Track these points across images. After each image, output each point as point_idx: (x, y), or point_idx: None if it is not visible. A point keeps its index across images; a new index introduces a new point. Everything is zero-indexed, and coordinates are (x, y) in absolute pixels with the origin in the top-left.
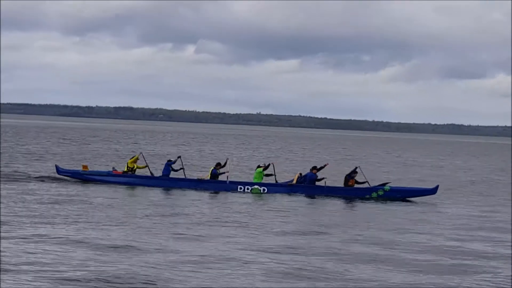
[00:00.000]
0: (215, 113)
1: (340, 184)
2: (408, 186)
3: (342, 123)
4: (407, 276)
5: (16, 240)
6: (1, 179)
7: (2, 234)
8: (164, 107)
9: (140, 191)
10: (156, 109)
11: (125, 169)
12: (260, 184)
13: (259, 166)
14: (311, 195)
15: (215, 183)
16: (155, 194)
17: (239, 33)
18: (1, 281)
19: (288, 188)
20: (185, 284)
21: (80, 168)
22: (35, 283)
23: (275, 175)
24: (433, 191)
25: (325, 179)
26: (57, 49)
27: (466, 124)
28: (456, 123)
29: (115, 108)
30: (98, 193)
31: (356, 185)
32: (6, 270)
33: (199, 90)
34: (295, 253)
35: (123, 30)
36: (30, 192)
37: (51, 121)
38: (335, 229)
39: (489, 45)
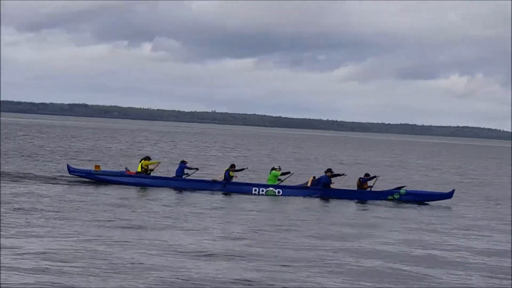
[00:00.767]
0: (170, 111)
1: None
2: (424, 190)
3: (297, 122)
4: None
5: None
6: None
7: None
8: (119, 105)
9: (154, 192)
10: (111, 106)
11: (139, 169)
12: (275, 187)
13: (273, 169)
14: (325, 198)
15: (230, 185)
16: (170, 195)
17: (195, 31)
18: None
19: (303, 191)
20: None
21: (93, 168)
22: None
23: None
24: (449, 195)
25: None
26: (11, 45)
27: (420, 124)
28: (410, 122)
29: (69, 105)
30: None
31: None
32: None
33: (155, 87)
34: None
35: (79, 27)
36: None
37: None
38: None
39: (444, 45)
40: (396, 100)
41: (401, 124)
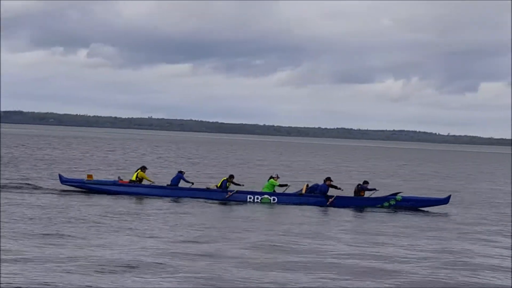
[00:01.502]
0: (106, 117)
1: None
2: (420, 196)
3: (233, 127)
4: None
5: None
6: None
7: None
8: (55, 111)
9: (148, 201)
10: (47, 113)
11: (133, 178)
12: (270, 194)
13: (271, 177)
14: (321, 205)
15: (224, 193)
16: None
17: (131, 37)
18: None
19: (298, 198)
20: None
21: (85, 177)
22: None
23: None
24: (445, 200)
25: (342, 190)
26: None
27: (356, 128)
28: (346, 127)
29: (4, 112)
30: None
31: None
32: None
33: (91, 94)
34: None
35: (15, 33)
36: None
37: None
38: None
39: (379, 49)
40: (332, 104)
41: (337, 128)
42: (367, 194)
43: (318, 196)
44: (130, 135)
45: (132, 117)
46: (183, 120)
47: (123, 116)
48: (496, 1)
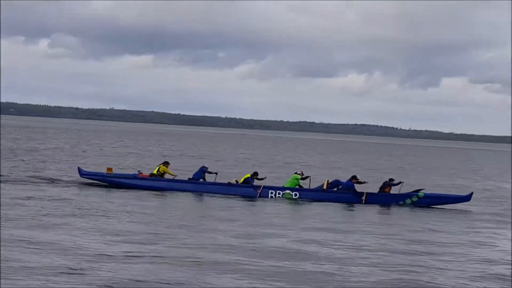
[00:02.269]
0: (68, 107)
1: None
2: (442, 193)
3: (195, 119)
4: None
5: None
6: None
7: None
8: (15, 101)
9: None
10: (7, 103)
11: (154, 171)
12: (292, 189)
13: (296, 173)
14: (345, 202)
15: (246, 188)
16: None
17: (93, 27)
18: None
19: (320, 194)
20: None
21: (105, 171)
22: None
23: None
24: (467, 198)
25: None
26: None
27: (318, 122)
28: (308, 120)
29: None
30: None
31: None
32: None
33: (52, 84)
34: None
35: None
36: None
37: None
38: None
39: (342, 44)
40: (294, 98)
41: (299, 122)
42: (394, 188)
43: (345, 192)
44: (93, 126)
45: (93, 108)
46: (144, 111)
47: (85, 107)
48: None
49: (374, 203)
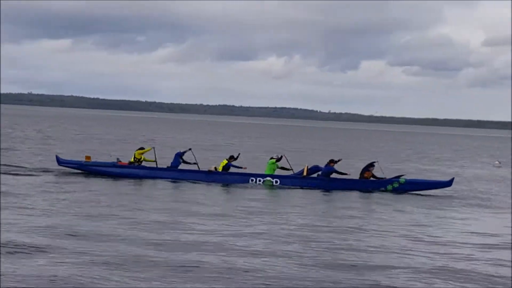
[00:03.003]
0: None
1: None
2: (423, 179)
3: (115, 104)
4: None
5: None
6: None
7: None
8: None
9: (147, 183)
10: None
11: (132, 160)
12: (273, 176)
13: (271, 158)
14: (324, 188)
15: (226, 175)
16: (164, 186)
17: (12, 11)
18: None
19: (301, 181)
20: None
21: (83, 159)
22: None
23: (292, 169)
24: (448, 183)
25: (348, 175)
26: None
27: (238, 105)
28: (228, 104)
29: None
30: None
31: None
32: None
33: None
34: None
35: None
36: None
37: None
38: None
39: (262, 27)
40: (214, 81)
41: (219, 105)
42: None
43: (320, 178)
44: (11, 111)
45: (11, 93)
46: (63, 96)
47: (2, 92)
48: None
49: (354, 190)
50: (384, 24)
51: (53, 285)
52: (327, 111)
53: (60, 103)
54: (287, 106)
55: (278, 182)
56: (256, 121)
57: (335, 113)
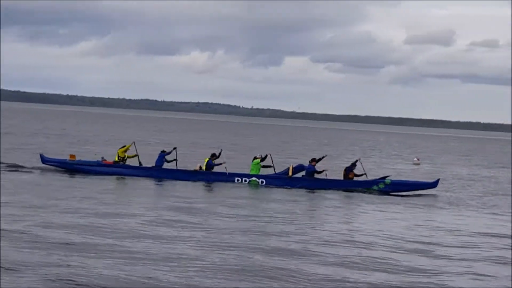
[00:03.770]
0: None
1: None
2: (409, 180)
3: (35, 96)
4: None
5: None
6: None
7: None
8: None
9: (131, 181)
10: None
11: (116, 159)
12: (258, 176)
13: (255, 158)
14: (310, 188)
15: (211, 175)
16: (148, 185)
17: None
18: None
19: (287, 181)
20: None
21: (67, 158)
22: None
23: (274, 166)
24: (433, 184)
25: (325, 171)
26: None
27: (160, 100)
28: (151, 98)
29: None
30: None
31: (355, 178)
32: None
33: None
34: None
35: None
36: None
37: None
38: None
39: (185, 22)
40: (137, 75)
41: (142, 99)
42: (359, 171)
43: (306, 178)
44: None
45: None
46: None
47: None
48: None
49: (339, 189)
50: (308, 21)
51: None
52: (249, 107)
53: None
54: (210, 101)
55: (264, 182)
56: (179, 116)
57: (257, 108)
